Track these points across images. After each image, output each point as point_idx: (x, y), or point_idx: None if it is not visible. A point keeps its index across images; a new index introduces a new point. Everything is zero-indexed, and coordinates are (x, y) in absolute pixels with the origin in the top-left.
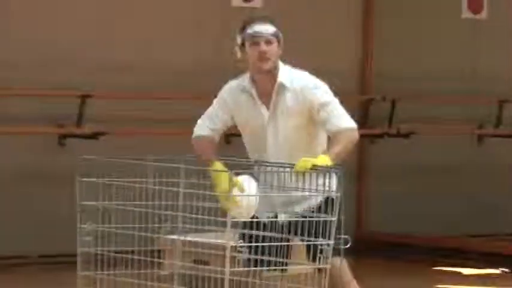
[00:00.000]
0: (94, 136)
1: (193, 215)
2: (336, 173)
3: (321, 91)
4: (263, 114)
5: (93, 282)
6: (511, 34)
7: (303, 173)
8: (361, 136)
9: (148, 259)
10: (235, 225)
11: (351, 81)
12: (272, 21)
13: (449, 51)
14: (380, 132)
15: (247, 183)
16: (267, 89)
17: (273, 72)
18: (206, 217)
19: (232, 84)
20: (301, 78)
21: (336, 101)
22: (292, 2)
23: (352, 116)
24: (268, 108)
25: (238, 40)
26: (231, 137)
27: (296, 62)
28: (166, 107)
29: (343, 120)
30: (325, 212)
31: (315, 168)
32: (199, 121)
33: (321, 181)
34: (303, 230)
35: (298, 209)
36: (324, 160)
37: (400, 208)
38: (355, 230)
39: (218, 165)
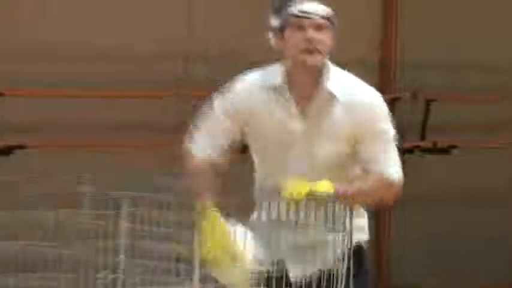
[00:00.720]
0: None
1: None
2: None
3: (381, 115)
4: (295, 125)
5: None
6: None
7: (295, 202)
8: None
9: None
10: (206, 278)
11: (367, 73)
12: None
13: (501, 35)
14: (409, 146)
15: (243, 242)
16: (306, 93)
17: (320, 73)
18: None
19: (251, 78)
20: (358, 89)
21: (391, 135)
22: None
23: None
24: (305, 120)
25: (274, 22)
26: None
27: None
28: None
29: (389, 167)
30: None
31: (311, 196)
32: (196, 135)
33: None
34: None
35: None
36: (326, 187)
37: (436, 256)
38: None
39: (215, 217)
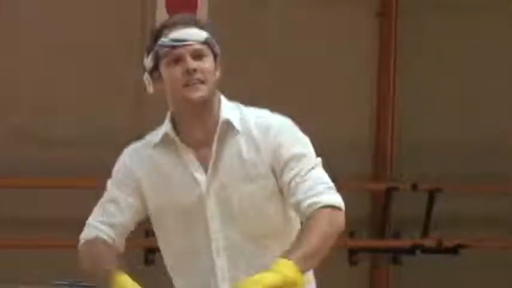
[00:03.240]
0: None
1: None
2: None
3: (294, 137)
4: (198, 180)
5: None
6: None
7: None
8: (378, 251)
9: None
10: None
11: (358, 157)
12: (201, 24)
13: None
14: (409, 246)
15: None
16: (201, 137)
17: (210, 105)
18: None
19: (135, 145)
20: (260, 115)
21: (313, 156)
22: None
23: (358, 220)
24: (206, 169)
25: (148, 62)
26: (153, 254)
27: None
28: None
29: (321, 190)
30: None
31: None
32: (89, 219)
33: None
34: None
35: None
36: (286, 271)
37: None
38: None
39: (124, 280)
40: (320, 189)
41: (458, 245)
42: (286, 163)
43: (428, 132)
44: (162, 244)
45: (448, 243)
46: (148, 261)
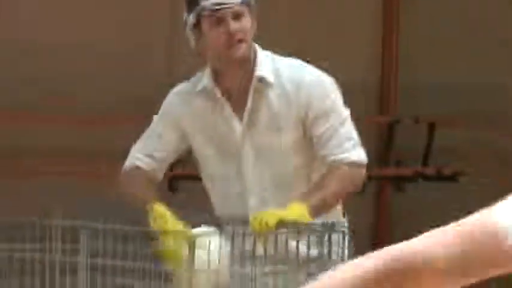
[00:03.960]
0: None
1: None
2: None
3: (325, 92)
4: (234, 129)
5: None
6: None
7: (264, 236)
8: (382, 179)
9: None
10: None
11: (364, 93)
12: None
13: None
14: (411, 174)
15: (213, 242)
16: (239, 89)
17: (249, 62)
18: None
19: (180, 88)
20: (293, 68)
21: (344, 114)
22: None
23: (366, 149)
24: (241, 118)
25: (190, 19)
26: (177, 181)
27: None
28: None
29: (347, 148)
30: None
31: (282, 226)
32: (132, 149)
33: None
34: None
35: None
36: (299, 212)
37: None
38: None
39: (162, 209)
40: (346, 146)
41: (456, 172)
42: (316, 118)
43: (430, 73)
44: (202, 170)
45: (446, 171)
46: (172, 188)
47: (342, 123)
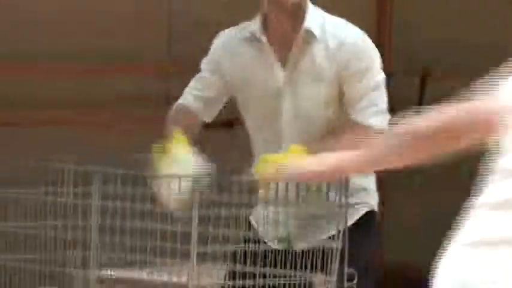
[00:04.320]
0: None
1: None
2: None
3: (364, 53)
4: (277, 76)
5: None
6: None
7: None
8: None
9: None
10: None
11: None
12: None
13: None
14: None
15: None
16: (285, 38)
17: (300, 11)
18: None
19: (229, 31)
20: (338, 26)
21: (377, 79)
22: None
23: None
24: (284, 66)
25: None
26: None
27: None
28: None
29: (371, 113)
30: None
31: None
32: (185, 89)
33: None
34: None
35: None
36: (298, 153)
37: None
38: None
39: (180, 138)
40: (370, 112)
41: None
42: (352, 76)
43: (424, 28)
44: (242, 110)
45: None
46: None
47: (374, 88)
